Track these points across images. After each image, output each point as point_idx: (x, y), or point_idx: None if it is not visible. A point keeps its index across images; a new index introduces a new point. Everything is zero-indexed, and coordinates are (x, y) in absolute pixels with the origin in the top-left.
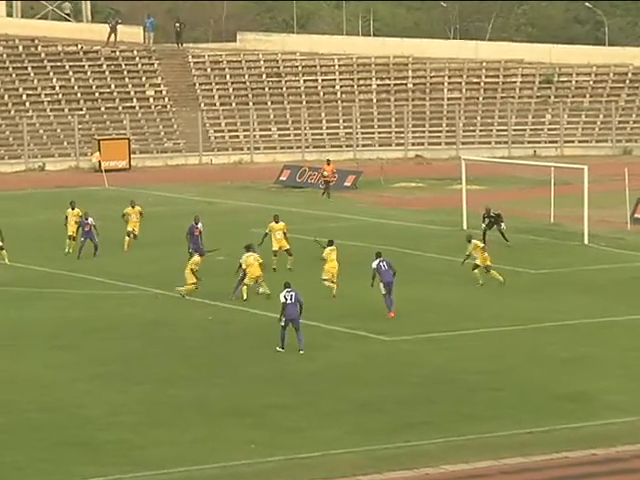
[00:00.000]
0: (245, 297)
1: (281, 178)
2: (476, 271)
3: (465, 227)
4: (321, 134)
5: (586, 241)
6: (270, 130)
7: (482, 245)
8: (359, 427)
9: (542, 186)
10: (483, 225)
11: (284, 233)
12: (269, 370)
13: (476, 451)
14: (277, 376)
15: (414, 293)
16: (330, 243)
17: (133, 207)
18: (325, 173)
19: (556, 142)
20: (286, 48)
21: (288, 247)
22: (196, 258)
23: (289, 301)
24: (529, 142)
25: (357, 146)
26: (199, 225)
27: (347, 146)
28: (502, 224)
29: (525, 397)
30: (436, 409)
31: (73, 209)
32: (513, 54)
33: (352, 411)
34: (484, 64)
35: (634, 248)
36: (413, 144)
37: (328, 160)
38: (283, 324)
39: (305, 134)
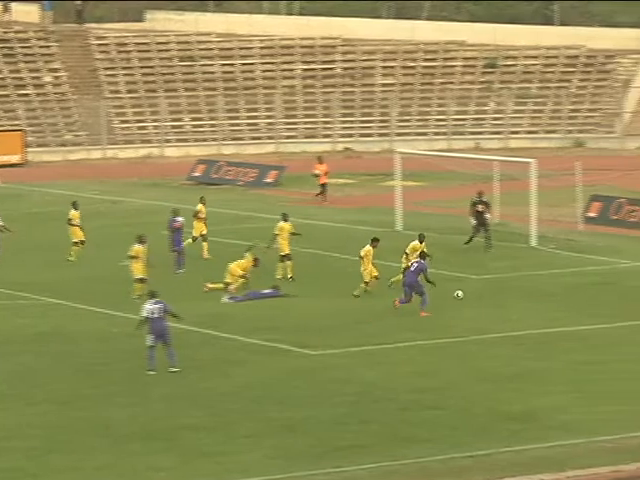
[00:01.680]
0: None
1: (194, 174)
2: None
3: (400, 228)
4: (239, 125)
5: (533, 243)
6: (182, 120)
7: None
8: (281, 451)
9: (485, 182)
10: (473, 221)
11: (292, 233)
12: (181, 388)
13: (412, 477)
14: (189, 395)
15: (343, 302)
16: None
17: (204, 203)
18: (317, 172)
19: (500, 133)
20: (200, 28)
21: (288, 252)
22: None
23: (155, 315)
24: (471, 133)
25: (279, 138)
26: (179, 218)
27: (268, 138)
28: (487, 214)
29: (465, 417)
30: (368, 431)
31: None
32: (453, 35)
33: (273, 433)
34: (421, 46)
35: (586, 251)
36: (342, 136)
37: (319, 157)
38: (151, 343)
39: (221, 125)
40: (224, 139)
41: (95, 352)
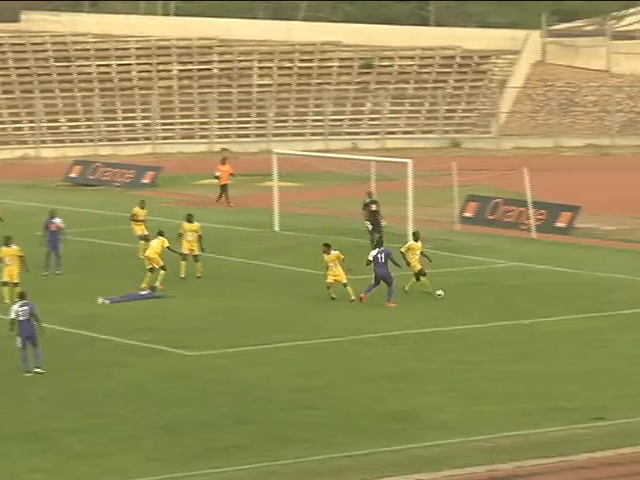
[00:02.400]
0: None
1: (71, 175)
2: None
3: (277, 228)
4: (116, 125)
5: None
6: (59, 121)
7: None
8: (160, 452)
9: (362, 182)
10: (369, 226)
11: (199, 236)
12: (58, 390)
13: (291, 477)
14: (67, 397)
15: (221, 302)
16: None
17: (142, 208)
18: (217, 174)
19: (377, 133)
20: (76, 29)
21: (198, 252)
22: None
23: (21, 317)
24: (348, 134)
25: (156, 139)
26: (56, 220)
27: (145, 139)
28: (383, 220)
29: (344, 417)
30: (246, 431)
31: None
32: (329, 36)
33: (152, 435)
34: (297, 47)
35: (462, 251)
36: (219, 136)
37: (223, 158)
38: (21, 345)
39: (98, 126)
40: (101, 140)
41: None
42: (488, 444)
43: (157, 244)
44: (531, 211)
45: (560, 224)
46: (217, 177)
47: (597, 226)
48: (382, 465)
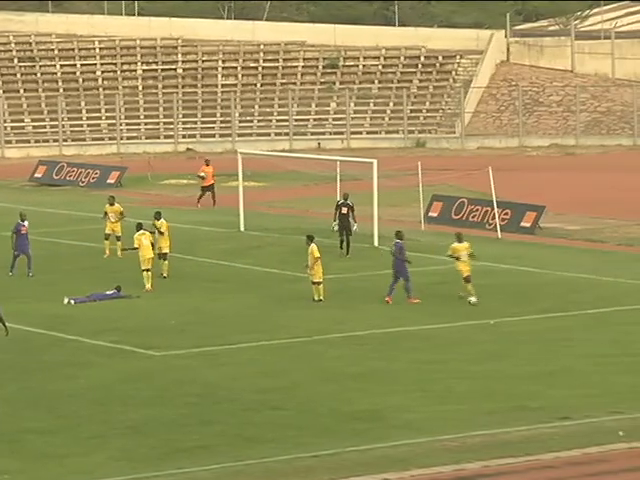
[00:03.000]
0: (148, 286)
1: (36, 175)
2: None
3: (242, 228)
4: (81, 125)
5: (376, 243)
6: (23, 121)
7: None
8: (125, 453)
9: (328, 182)
10: (335, 226)
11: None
12: (23, 391)
13: (257, 477)
14: (33, 397)
15: (186, 302)
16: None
17: (112, 204)
18: (202, 174)
19: (342, 133)
20: (40, 29)
21: (167, 251)
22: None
23: None
24: (312, 134)
25: (121, 139)
26: (26, 223)
27: (110, 139)
28: (355, 225)
29: (310, 417)
30: (211, 431)
31: None
32: (294, 36)
33: (117, 435)
34: (262, 47)
35: (428, 250)
36: (184, 136)
37: (207, 160)
38: None
39: (63, 126)
40: (65, 140)
41: None
42: (454, 443)
43: (148, 243)
44: (496, 211)
45: (525, 224)
46: (202, 177)
47: (562, 226)
48: (349, 465)
